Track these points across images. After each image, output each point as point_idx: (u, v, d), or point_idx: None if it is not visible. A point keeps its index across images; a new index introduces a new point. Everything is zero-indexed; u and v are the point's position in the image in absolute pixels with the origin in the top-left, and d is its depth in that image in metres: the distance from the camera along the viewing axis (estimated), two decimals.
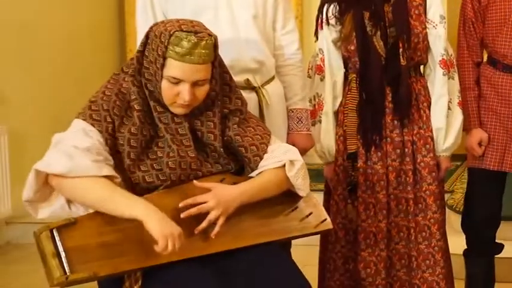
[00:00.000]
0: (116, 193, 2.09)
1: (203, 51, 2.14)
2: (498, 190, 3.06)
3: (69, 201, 2.15)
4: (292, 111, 2.75)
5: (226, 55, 2.54)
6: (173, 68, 2.14)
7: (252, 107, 2.62)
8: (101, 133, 2.15)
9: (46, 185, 2.14)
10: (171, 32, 2.13)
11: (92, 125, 2.15)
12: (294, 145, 2.71)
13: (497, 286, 3.24)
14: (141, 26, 2.60)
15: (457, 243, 3.15)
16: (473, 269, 3.13)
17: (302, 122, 2.75)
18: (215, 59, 2.20)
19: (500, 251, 3.13)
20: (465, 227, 3.12)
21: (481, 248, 3.10)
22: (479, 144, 2.96)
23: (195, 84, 2.17)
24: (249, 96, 2.61)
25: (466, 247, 3.15)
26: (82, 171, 2.08)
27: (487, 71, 2.98)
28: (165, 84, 2.17)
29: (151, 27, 2.22)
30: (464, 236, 3.14)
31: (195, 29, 2.15)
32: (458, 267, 3.14)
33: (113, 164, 2.16)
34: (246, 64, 2.62)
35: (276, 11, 2.69)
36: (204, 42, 2.13)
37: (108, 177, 2.11)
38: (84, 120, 2.17)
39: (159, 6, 2.63)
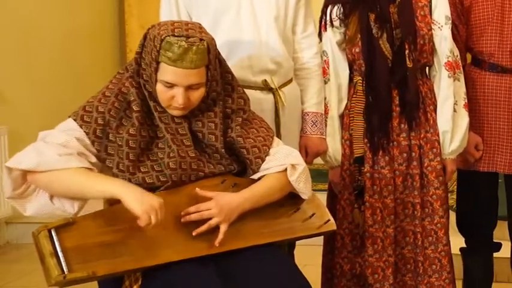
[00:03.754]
0: (91, 177, 2.12)
1: (195, 56, 2.12)
2: (491, 189, 3.06)
3: (51, 196, 2.17)
4: (307, 115, 2.75)
5: (246, 55, 2.59)
6: (166, 72, 2.14)
7: (269, 108, 2.65)
8: (87, 135, 2.17)
9: (25, 182, 2.17)
10: (163, 37, 2.12)
11: (80, 126, 2.17)
12: (306, 148, 2.73)
13: (497, 286, 3.25)
14: None
15: (457, 243, 3.14)
16: (471, 267, 3.12)
17: (316, 126, 2.75)
18: (209, 62, 2.19)
19: (498, 249, 3.13)
20: (461, 227, 3.11)
21: (479, 248, 3.10)
22: (476, 148, 2.96)
23: (189, 88, 2.17)
24: (266, 97, 2.64)
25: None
26: (49, 165, 2.10)
27: (472, 72, 2.98)
28: (159, 88, 2.18)
29: (148, 29, 2.22)
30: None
31: (188, 33, 2.15)
32: (460, 267, 3.13)
33: (96, 163, 2.18)
34: (265, 64, 2.62)
35: (296, 14, 2.70)
36: (195, 47, 2.12)
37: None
38: (74, 120, 2.19)
39: (183, 5, 2.64)
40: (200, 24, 2.25)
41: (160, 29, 2.16)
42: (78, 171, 2.11)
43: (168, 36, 2.12)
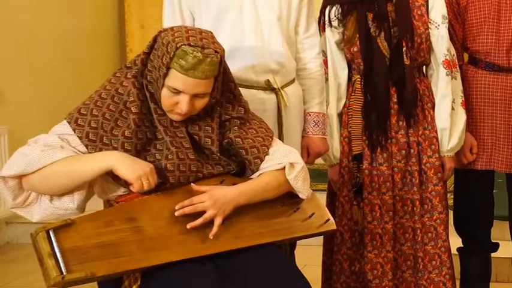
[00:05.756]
0: (80, 159, 2.13)
1: (207, 67, 2.13)
2: (487, 188, 3.07)
3: (51, 198, 2.17)
4: (309, 115, 2.76)
5: (248, 54, 2.59)
6: (175, 79, 2.14)
7: (271, 108, 2.65)
8: (80, 139, 2.17)
9: (24, 190, 2.17)
10: (178, 45, 2.12)
11: (74, 130, 2.17)
12: (308, 148, 2.73)
13: (497, 286, 3.24)
14: (167, 24, 2.60)
15: (457, 243, 3.15)
16: (468, 267, 3.13)
17: (318, 126, 2.76)
18: (219, 73, 2.20)
19: (496, 250, 3.13)
20: (458, 227, 3.12)
21: (476, 247, 3.11)
22: (470, 150, 2.96)
23: (194, 96, 2.17)
24: (269, 97, 2.65)
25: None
26: (36, 163, 2.10)
27: (469, 71, 2.99)
28: (165, 93, 2.17)
29: (159, 32, 2.21)
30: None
31: (203, 43, 2.14)
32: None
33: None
34: (268, 65, 2.62)
35: (299, 14, 2.70)
36: (209, 59, 2.12)
37: None
38: (68, 123, 2.19)
39: (186, 6, 2.64)
40: (212, 33, 2.25)
41: (174, 36, 2.15)
42: (66, 159, 2.11)
43: (184, 45, 2.12)
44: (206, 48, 2.13)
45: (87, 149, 2.16)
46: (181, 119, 2.22)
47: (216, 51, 2.15)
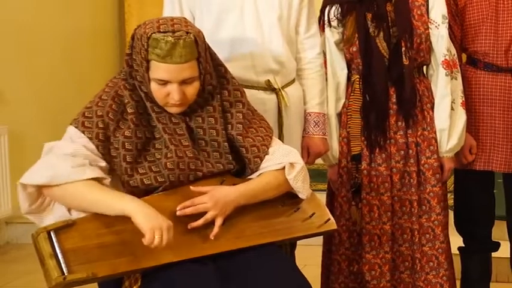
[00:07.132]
0: (102, 193, 2.10)
1: (183, 50, 2.11)
2: (487, 188, 3.08)
3: (69, 209, 2.16)
4: (310, 115, 2.76)
5: (249, 55, 2.60)
6: (157, 70, 2.14)
7: (271, 108, 2.65)
8: (91, 140, 2.15)
9: (41, 195, 2.16)
10: (149, 35, 2.12)
11: (83, 132, 2.16)
12: (308, 148, 2.74)
13: (497, 286, 3.24)
14: None
15: (457, 243, 3.15)
16: (468, 266, 3.14)
17: (318, 126, 2.76)
18: (199, 55, 2.18)
19: (496, 249, 3.14)
20: (459, 227, 3.12)
21: (476, 247, 3.11)
22: (470, 151, 2.97)
23: (183, 83, 2.16)
24: (269, 98, 2.65)
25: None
26: (63, 178, 2.09)
27: (468, 72, 2.99)
28: (154, 86, 2.17)
29: (135, 29, 2.21)
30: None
31: (174, 28, 2.14)
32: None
33: (105, 166, 2.17)
34: (268, 65, 2.62)
35: (300, 14, 2.70)
36: (182, 41, 2.11)
37: (96, 179, 2.12)
38: (76, 127, 2.18)
39: (187, 6, 2.65)
40: (185, 18, 2.25)
41: (146, 28, 2.15)
42: (91, 186, 2.10)
43: (154, 33, 2.12)
44: (177, 31, 2.13)
45: (98, 149, 2.16)
46: (179, 110, 2.22)
47: (187, 32, 2.14)
